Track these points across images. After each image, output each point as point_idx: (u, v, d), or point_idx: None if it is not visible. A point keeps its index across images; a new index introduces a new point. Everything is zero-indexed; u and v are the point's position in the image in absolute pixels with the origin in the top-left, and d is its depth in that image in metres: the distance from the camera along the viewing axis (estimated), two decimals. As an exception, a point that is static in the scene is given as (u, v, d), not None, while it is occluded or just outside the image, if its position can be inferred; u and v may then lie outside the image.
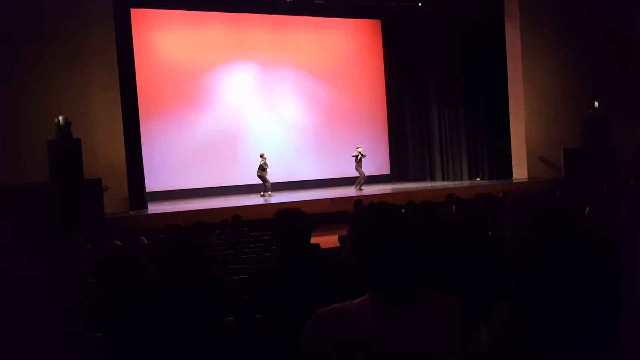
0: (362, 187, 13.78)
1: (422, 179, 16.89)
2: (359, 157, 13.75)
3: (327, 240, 7.71)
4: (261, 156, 13.35)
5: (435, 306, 1.54)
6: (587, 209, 3.11)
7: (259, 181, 13.55)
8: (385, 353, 1.43)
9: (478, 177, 15.70)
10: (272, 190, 13.40)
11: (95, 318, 2.88)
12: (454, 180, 15.90)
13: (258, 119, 15.56)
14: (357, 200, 8.85)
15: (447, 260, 3.20)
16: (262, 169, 13.28)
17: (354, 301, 1.52)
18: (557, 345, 1.66)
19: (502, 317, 1.79)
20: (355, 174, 14.05)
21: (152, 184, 13.33)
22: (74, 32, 10.88)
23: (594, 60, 14.16)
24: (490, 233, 3.93)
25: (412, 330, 1.47)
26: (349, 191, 13.47)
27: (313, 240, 3.56)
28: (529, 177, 14.03)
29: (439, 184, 15.50)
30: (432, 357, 1.46)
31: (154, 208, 12.03)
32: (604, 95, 13.75)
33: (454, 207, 6.43)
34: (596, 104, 13.39)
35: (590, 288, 1.72)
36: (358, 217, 1.56)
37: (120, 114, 11.38)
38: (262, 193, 13.42)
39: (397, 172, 17.28)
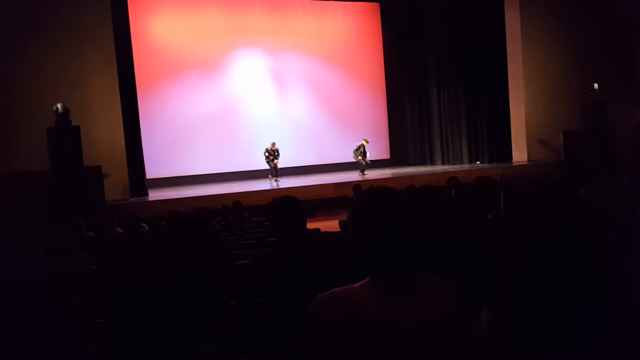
0: (365, 172, 13.83)
1: (422, 163, 16.89)
2: (360, 149, 13.78)
3: (328, 225, 7.74)
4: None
5: (435, 289, 1.54)
6: (582, 191, 3.11)
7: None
8: (386, 336, 1.44)
9: (478, 161, 15.69)
10: (271, 176, 13.38)
11: (97, 304, 2.90)
12: (454, 164, 15.89)
13: (258, 104, 15.50)
14: (356, 185, 8.86)
15: (447, 244, 3.21)
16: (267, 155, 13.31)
17: (355, 285, 1.53)
18: (558, 327, 1.67)
19: (502, 299, 1.81)
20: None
21: (152, 170, 13.33)
22: (70, 16, 10.75)
23: (595, 42, 14.06)
24: (490, 216, 3.94)
25: (412, 312, 1.48)
26: (350, 176, 13.47)
27: (314, 225, 3.56)
28: (528, 160, 14.02)
29: (439, 167, 15.50)
30: (433, 339, 1.47)
31: (154, 195, 12.03)
32: (604, 77, 13.68)
33: (453, 191, 6.43)
34: (596, 85, 13.33)
35: (589, 272, 1.73)
36: (357, 201, 1.56)
37: (119, 100, 11.32)
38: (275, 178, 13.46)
39: (397, 156, 17.27)
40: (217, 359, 1.69)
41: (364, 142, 13.97)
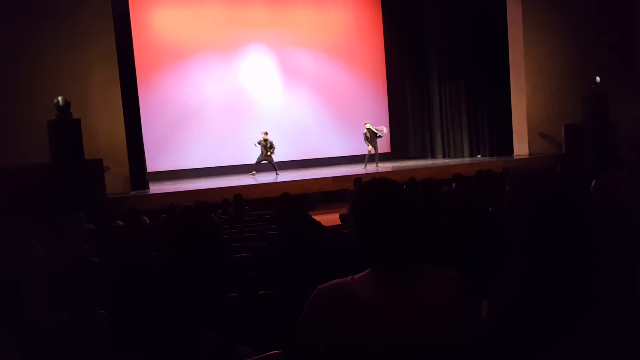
0: (378, 164, 13.81)
1: (422, 156, 16.85)
2: (368, 135, 13.65)
3: (329, 219, 7.74)
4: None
5: (437, 280, 1.55)
6: (592, 183, 3.10)
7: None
8: (386, 326, 1.45)
9: (479, 154, 15.66)
10: (257, 171, 13.28)
11: (99, 296, 2.91)
12: (454, 157, 15.85)
13: (258, 97, 15.46)
14: (357, 179, 8.87)
15: (448, 236, 3.22)
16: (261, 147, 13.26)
17: (355, 276, 1.54)
18: (557, 319, 1.68)
19: (503, 291, 1.81)
20: (359, 152, 13.98)
21: (153, 164, 13.32)
22: (70, 8, 10.69)
23: (596, 35, 14.00)
24: (490, 209, 3.94)
25: (413, 303, 1.48)
26: (350, 169, 13.46)
27: (314, 218, 3.54)
28: (529, 153, 14.00)
29: (439, 161, 15.48)
30: (433, 330, 1.48)
31: (155, 188, 12.04)
32: (606, 70, 13.63)
33: (453, 184, 6.43)
34: (598, 79, 13.27)
35: (590, 267, 1.73)
36: (359, 192, 1.57)
37: (120, 93, 11.29)
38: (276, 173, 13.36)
39: (398, 149, 17.21)
40: (218, 350, 1.70)
41: (367, 127, 13.73)
